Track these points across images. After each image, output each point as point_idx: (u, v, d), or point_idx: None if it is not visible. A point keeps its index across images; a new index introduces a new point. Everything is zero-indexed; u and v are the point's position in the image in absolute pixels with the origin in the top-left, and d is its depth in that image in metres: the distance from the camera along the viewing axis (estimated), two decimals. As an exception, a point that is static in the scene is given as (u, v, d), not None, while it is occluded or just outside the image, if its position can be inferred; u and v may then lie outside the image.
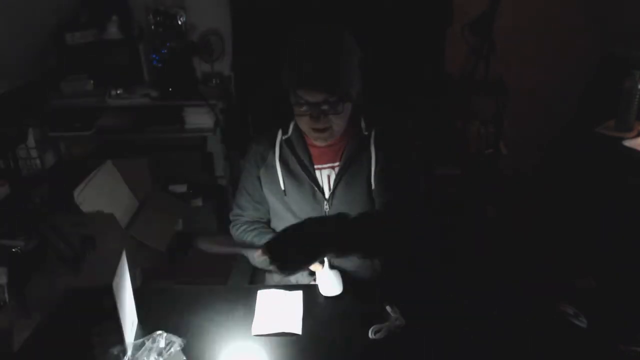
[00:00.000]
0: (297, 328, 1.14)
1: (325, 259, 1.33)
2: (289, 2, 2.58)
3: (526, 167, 2.85)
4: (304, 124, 1.31)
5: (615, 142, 2.14)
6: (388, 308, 1.17)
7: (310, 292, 1.26)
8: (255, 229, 1.46)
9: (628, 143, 2.11)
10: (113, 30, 2.62)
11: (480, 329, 1.14)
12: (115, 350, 0.99)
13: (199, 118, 2.67)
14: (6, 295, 2.00)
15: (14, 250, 1.48)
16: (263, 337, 1.12)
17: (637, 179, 2.07)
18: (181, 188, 2.97)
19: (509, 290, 1.29)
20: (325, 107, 1.23)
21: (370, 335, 1.12)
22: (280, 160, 1.40)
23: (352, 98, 1.28)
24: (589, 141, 2.38)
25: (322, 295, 1.26)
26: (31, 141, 2.39)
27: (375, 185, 1.37)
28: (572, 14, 2.74)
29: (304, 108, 1.25)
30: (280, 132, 1.42)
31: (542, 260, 2.23)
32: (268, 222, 1.51)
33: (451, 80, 2.80)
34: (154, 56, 2.64)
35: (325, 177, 1.39)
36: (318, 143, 1.36)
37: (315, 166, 1.39)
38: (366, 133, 1.39)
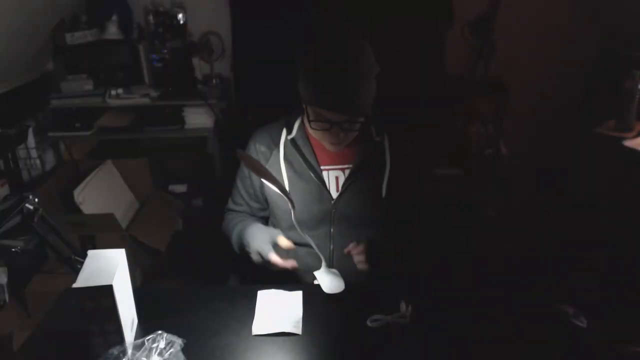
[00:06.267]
0: (297, 328, 1.14)
1: (323, 259, 1.33)
2: (288, 3, 2.58)
3: (526, 167, 2.85)
4: (320, 134, 1.33)
5: (615, 142, 2.14)
6: (402, 304, 1.17)
7: (310, 292, 1.26)
8: (242, 220, 1.46)
9: (628, 143, 2.11)
10: (113, 30, 2.62)
11: (479, 328, 1.14)
12: (115, 350, 0.98)
13: (199, 118, 2.67)
14: (6, 295, 2.01)
15: (13, 250, 1.48)
16: (263, 337, 1.12)
17: (637, 179, 2.07)
18: (181, 188, 2.97)
19: (509, 290, 1.29)
20: (345, 125, 1.26)
21: (368, 323, 1.13)
22: (285, 160, 1.39)
23: (369, 114, 1.29)
24: (589, 141, 2.38)
25: (322, 295, 1.25)
26: (31, 141, 2.39)
27: (387, 192, 1.38)
28: (572, 14, 2.74)
29: (325, 126, 1.26)
30: (284, 132, 1.42)
31: (542, 261, 2.23)
32: (261, 218, 1.52)
33: (451, 80, 2.80)
34: (154, 56, 2.64)
35: (333, 178, 1.39)
36: (331, 149, 1.37)
37: (322, 167, 1.39)
38: (378, 138, 1.40)
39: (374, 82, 1.27)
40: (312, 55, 1.24)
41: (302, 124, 1.41)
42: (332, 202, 1.38)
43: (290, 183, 1.38)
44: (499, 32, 2.73)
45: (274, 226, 1.47)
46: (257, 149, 1.43)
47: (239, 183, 1.50)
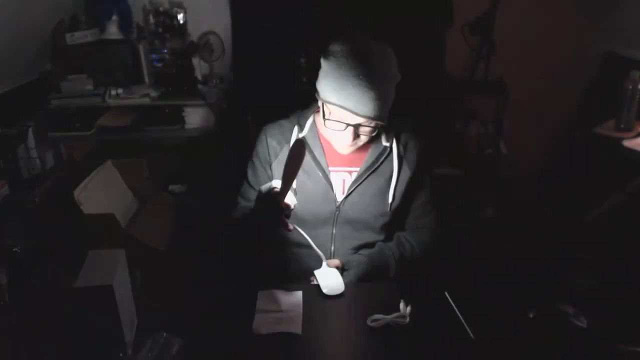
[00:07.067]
0: (297, 328, 1.14)
1: (324, 259, 1.33)
2: (288, 3, 2.58)
3: (526, 167, 2.86)
4: (333, 135, 1.33)
5: (615, 142, 2.14)
6: (402, 304, 1.17)
7: (310, 292, 1.26)
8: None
9: (628, 143, 2.11)
10: (113, 30, 2.62)
11: (479, 328, 1.14)
12: (115, 350, 0.98)
13: (199, 118, 2.67)
14: (6, 295, 2.01)
15: (14, 250, 1.48)
16: (263, 337, 1.12)
17: (637, 179, 2.07)
18: (181, 188, 2.97)
19: (509, 290, 1.29)
20: (359, 128, 1.27)
21: (368, 322, 1.13)
22: None
23: (385, 121, 1.29)
24: (589, 141, 2.38)
25: (322, 295, 1.25)
26: (31, 141, 2.39)
27: (395, 198, 1.39)
28: (572, 14, 2.74)
29: (339, 126, 1.27)
30: (296, 129, 1.41)
31: (542, 261, 2.23)
32: None
33: (451, 80, 2.80)
34: (154, 56, 2.65)
35: (340, 180, 1.39)
36: (340, 152, 1.37)
37: (330, 168, 1.39)
38: (387, 144, 1.40)
39: (394, 90, 1.28)
40: (340, 53, 1.24)
41: (313, 124, 1.42)
42: (337, 204, 1.38)
43: (298, 181, 1.38)
44: (499, 32, 2.73)
45: None
46: (268, 143, 1.43)
47: (250, 179, 1.48)
